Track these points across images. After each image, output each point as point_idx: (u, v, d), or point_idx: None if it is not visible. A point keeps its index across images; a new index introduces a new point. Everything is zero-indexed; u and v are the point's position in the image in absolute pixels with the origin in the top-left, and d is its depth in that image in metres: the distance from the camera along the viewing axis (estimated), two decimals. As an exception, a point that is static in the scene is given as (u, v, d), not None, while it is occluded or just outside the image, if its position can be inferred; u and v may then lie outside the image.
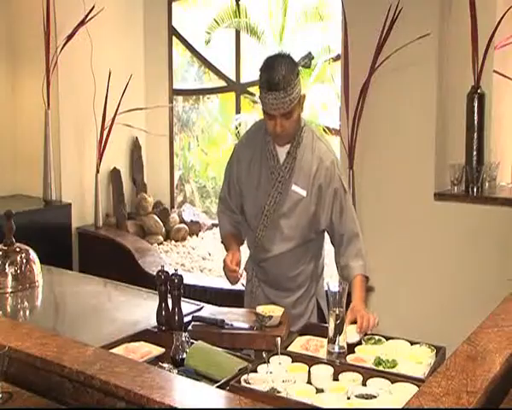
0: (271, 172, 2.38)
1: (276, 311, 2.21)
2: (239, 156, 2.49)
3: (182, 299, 2.25)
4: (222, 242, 2.63)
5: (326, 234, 2.49)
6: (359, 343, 2.07)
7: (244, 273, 2.61)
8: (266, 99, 2.20)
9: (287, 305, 2.37)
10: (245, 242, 2.62)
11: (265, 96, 2.20)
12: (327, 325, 1.99)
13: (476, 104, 3.56)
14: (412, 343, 2.03)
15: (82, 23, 4.94)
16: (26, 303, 2.67)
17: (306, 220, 2.37)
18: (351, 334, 2.06)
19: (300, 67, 2.28)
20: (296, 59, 2.29)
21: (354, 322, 2.13)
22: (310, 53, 2.32)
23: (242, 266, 2.47)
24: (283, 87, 2.17)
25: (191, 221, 6.13)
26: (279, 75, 2.17)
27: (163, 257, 5.16)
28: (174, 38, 6.19)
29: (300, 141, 2.36)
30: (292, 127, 2.29)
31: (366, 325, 2.11)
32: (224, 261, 2.39)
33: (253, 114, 6.59)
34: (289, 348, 2.03)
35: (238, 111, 6.35)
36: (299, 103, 2.27)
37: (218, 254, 5.59)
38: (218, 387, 1.68)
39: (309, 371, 1.84)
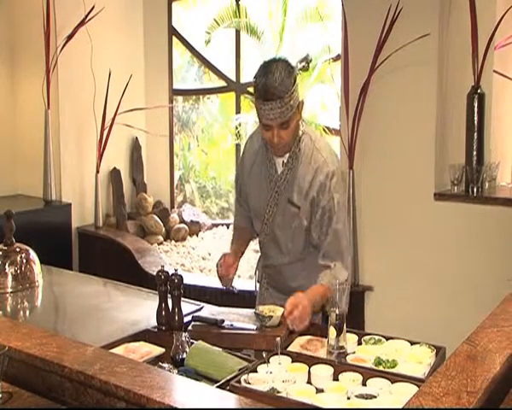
0: (270, 180, 2.32)
1: (276, 311, 2.21)
2: (244, 162, 2.44)
3: (182, 299, 2.25)
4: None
5: None
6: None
7: (254, 276, 2.65)
8: (262, 109, 2.10)
9: None
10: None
11: (261, 106, 2.09)
12: (327, 324, 1.98)
13: (476, 104, 3.56)
14: (412, 343, 2.03)
15: (82, 23, 4.94)
16: (26, 303, 2.67)
17: (301, 235, 2.31)
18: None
19: (299, 71, 2.21)
20: (294, 62, 2.20)
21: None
22: (308, 55, 2.29)
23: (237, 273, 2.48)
24: (280, 96, 2.06)
25: (191, 221, 6.13)
26: (275, 83, 2.06)
27: (163, 257, 5.16)
28: (174, 38, 6.20)
29: (298, 151, 2.26)
30: (290, 137, 2.19)
31: (295, 324, 2.06)
32: (217, 264, 2.43)
33: (252, 114, 6.59)
34: (289, 348, 2.03)
35: (238, 111, 6.35)
36: (298, 111, 2.17)
37: (218, 254, 5.58)
38: (218, 387, 1.68)
39: (309, 371, 1.84)
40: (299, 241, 2.32)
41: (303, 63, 2.29)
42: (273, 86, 2.06)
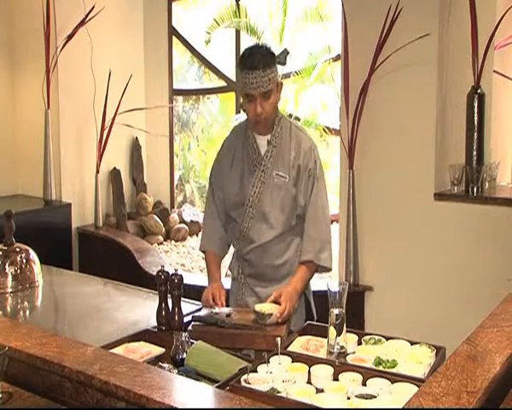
0: (253, 164, 2.48)
1: (274, 309, 2.22)
2: (220, 161, 2.59)
3: (182, 299, 2.25)
4: (203, 253, 2.65)
5: None
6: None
7: (229, 272, 2.68)
8: (247, 79, 2.33)
9: None
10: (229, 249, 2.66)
11: (246, 76, 2.33)
12: (327, 324, 1.99)
13: (476, 104, 3.56)
14: (412, 343, 2.03)
15: (82, 23, 4.94)
16: (26, 303, 2.67)
17: (289, 204, 2.46)
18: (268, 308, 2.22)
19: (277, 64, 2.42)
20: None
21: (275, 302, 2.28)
22: (285, 49, 2.47)
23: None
24: (262, 67, 2.31)
25: (191, 221, 6.13)
26: (258, 56, 2.34)
27: (163, 257, 5.16)
28: (174, 38, 6.20)
29: (279, 130, 2.48)
30: (270, 110, 2.39)
31: (284, 316, 2.24)
32: (212, 294, 2.41)
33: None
34: (289, 348, 2.03)
35: (238, 111, 6.35)
36: (277, 88, 2.40)
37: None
38: (218, 387, 1.68)
39: (309, 371, 1.84)
40: (287, 212, 2.47)
41: (280, 57, 2.44)
42: (257, 59, 2.33)
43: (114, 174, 5.63)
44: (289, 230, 2.50)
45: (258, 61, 2.32)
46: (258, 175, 2.46)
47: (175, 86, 6.24)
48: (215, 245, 2.60)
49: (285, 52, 2.45)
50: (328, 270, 2.52)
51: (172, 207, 6.26)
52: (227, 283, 2.71)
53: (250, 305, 2.52)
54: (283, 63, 2.46)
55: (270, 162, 2.46)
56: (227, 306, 2.52)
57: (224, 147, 2.61)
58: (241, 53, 2.48)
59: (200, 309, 2.43)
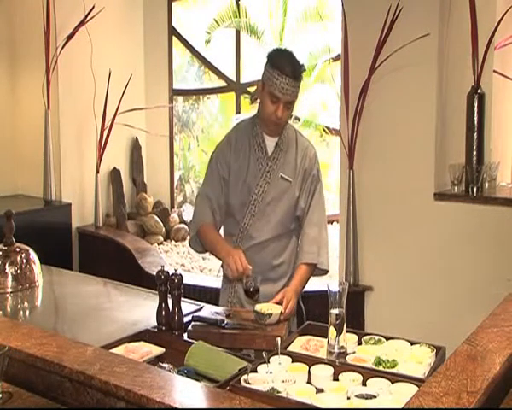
0: (259, 163, 2.52)
1: (274, 309, 2.22)
2: (224, 152, 2.57)
3: (182, 299, 2.25)
4: (198, 232, 2.59)
5: None
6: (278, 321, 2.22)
7: (221, 270, 2.65)
8: (278, 81, 2.36)
9: (268, 296, 2.37)
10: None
11: (279, 78, 2.36)
12: (327, 324, 1.99)
13: (476, 104, 3.56)
14: (412, 343, 2.03)
15: (82, 23, 4.94)
16: (26, 303, 2.67)
17: (290, 206, 2.53)
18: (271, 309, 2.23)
19: None
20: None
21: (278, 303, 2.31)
22: (302, 65, 2.47)
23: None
24: (297, 78, 2.39)
25: (191, 221, 6.13)
26: (297, 66, 2.41)
27: (163, 257, 5.16)
28: (174, 38, 6.20)
29: (286, 135, 2.55)
30: (286, 119, 2.47)
31: (286, 313, 2.28)
32: (234, 261, 2.32)
33: (252, 114, 6.59)
34: (289, 348, 2.03)
35: (238, 111, 6.35)
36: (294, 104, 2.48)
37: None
38: (218, 387, 1.68)
39: (309, 371, 1.84)
40: (288, 211, 2.54)
41: None
42: (297, 68, 2.41)
43: (114, 174, 5.63)
44: (288, 231, 2.57)
45: (296, 71, 2.38)
46: (263, 175, 2.51)
47: (175, 86, 6.24)
48: (208, 215, 2.55)
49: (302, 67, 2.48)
50: (326, 272, 2.58)
51: (172, 207, 6.26)
52: (218, 282, 2.70)
53: (244, 304, 2.53)
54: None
55: (277, 165, 2.52)
56: (216, 305, 2.55)
57: (230, 140, 2.59)
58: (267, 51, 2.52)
59: (200, 309, 2.43)
